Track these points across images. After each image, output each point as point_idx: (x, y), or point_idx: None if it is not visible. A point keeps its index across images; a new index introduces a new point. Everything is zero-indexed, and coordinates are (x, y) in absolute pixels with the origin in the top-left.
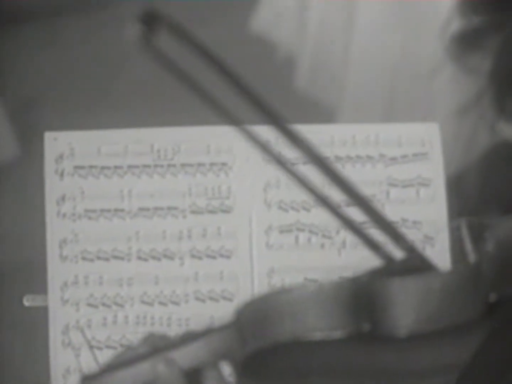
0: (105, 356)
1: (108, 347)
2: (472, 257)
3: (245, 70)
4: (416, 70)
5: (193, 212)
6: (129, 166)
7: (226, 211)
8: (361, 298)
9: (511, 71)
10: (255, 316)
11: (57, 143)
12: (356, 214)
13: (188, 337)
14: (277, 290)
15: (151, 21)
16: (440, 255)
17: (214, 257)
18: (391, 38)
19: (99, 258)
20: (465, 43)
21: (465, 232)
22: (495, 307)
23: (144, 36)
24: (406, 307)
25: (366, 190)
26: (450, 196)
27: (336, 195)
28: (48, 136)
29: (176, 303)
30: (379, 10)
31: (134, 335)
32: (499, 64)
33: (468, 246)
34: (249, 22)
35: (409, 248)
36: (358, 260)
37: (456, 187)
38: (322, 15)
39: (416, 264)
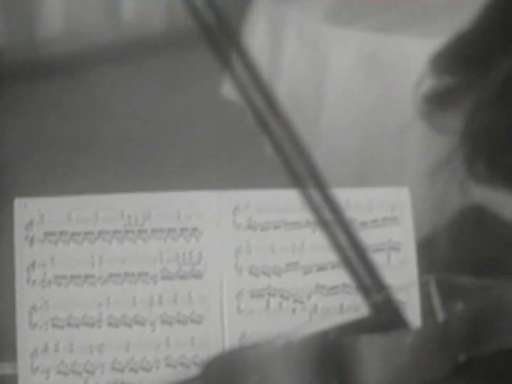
0: None
1: None
2: (440, 315)
3: (217, 135)
4: (387, 131)
5: (164, 277)
6: (100, 232)
7: (197, 276)
8: (330, 354)
9: (482, 132)
10: (222, 371)
11: (27, 209)
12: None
13: None
14: (245, 346)
15: None
16: (410, 317)
17: (185, 323)
18: (362, 100)
19: (69, 324)
20: (437, 102)
21: (433, 289)
22: (464, 367)
23: None
24: (374, 364)
25: (337, 256)
26: (421, 259)
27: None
28: (18, 202)
29: (147, 370)
30: (349, 72)
31: None
32: (470, 124)
33: (436, 303)
34: (221, 86)
35: (385, 301)
36: (329, 324)
37: (427, 250)
38: (292, 79)
39: (385, 320)
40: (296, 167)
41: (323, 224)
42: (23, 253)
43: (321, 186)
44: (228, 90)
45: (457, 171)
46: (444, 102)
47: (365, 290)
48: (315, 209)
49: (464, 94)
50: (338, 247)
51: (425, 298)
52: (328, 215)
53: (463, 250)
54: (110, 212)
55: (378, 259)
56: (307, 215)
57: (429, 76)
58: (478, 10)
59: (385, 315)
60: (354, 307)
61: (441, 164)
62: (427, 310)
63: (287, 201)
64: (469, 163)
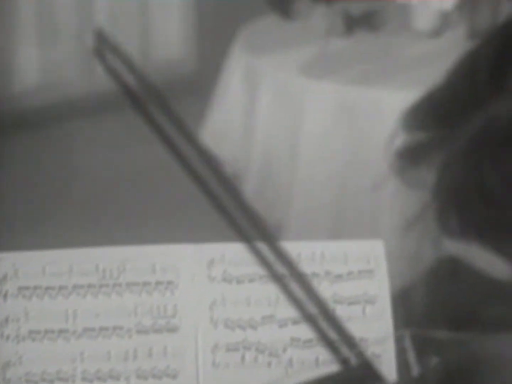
0: None
1: None
2: (415, 370)
3: (192, 186)
4: (362, 184)
5: (138, 331)
6: (74, 286)
7: (172, 330)
8: None
9: (453, 188)
10: None
11: (1, 264)
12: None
13: None
14: None
15: (102, 40)
16: (386, 371)
17: (160, 377)
18: (337, 153)
19: (43, 380)
20: (409, 158)
21: (408, 343)
22: None
23: (98, 50)
24: None
25: (311, 308)
26: (396, 312)
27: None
28: None
29: None
30: (324, 124)
31: None
32: (443, 179)
33: (411, 358)
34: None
35: (357, 356)
36: (305, 378)
37: (402, 303)
38: (268, 131)
39: (360, 375)
40: (241, 222)
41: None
42: None
43: (271, 240)
44: (205, 140)
45: (430, 225)
46: (416, 158)
47: (332, 345)
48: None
49: (436, 150)
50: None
51: (401, 352)
52: (287, 269)
53: (438, 302)
54: (85, 266)
55: (353, 312)
56: (281, 269)
57: (401, 131)
58: (449, 66)
59: (360, 369)
60: (330, 360)
61: (414, 219)
62: (402, 364)
63: (262, 254)
64: (442, 218)
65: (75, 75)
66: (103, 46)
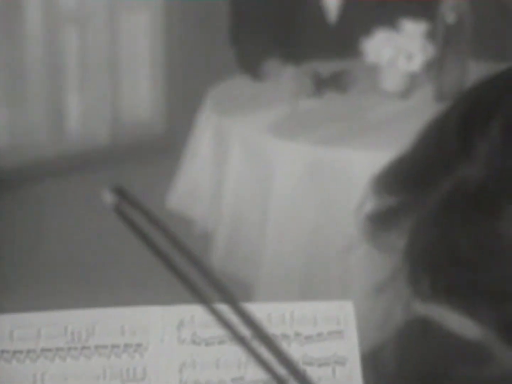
0: None
1: None
2: None
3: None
4: (332, 246)
5: None
6: (42, 350)
7: None
8: None
9: (423, 251)
10: None
11: None
12: None
13: None
14: None
15: (120, 194)
16: None
17: None
18: (307, 213)
19: None
20: (379, 222)
21: None
22: None
23: (117, 204)
24: None
25: (281, 370)
26: (366, 373)
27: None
28: None
29: None
30: (293, 184)
31: None
32: (413, 243)
33: None
34: (166, 198)
35: None
36: None
37: (372, 363)
38: (238, 191)
39: None
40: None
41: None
42: None
43: (233, 301)
44: (173, 201)
45: (401, 288)
46: (387, 222)
47: None
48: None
49: (406, 214)
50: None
51: None
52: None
53: (409, 363)
54: (53, 329)
55: (324, 373)
56: (248, 331)
57: (371, 196)
58: (418, 128)
59: None
60: None
61: (385, 282)
62: None
63: (232, 315)
64: (413, 281)
65: (45, 137)
66: (123, 202)
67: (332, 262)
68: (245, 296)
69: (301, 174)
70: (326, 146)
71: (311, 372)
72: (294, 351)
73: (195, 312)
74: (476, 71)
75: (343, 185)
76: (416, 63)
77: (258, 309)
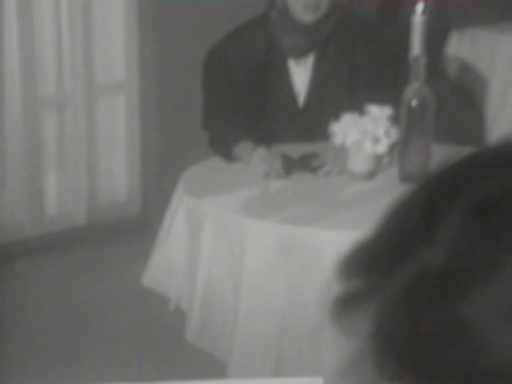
0: None
1: None
2: None
3: (137, 322)
4: (304, 323)
5: None
6: None
7: None
8: None
9: (390, 334)
10: None
11: None
12: None
13: None
14: None
15: None
16: None
17: None
18: (278, 292)
19: None
20: (345, 306)
21: None
22: None
23: None
24: None
25: None
26: None
27: None
28: None
29: None
30: (264, 262)
31: None
32: (379, 326)
33: None
34: (142, 275)
35: None
36: None
37: None
38: (211, 269)
39: None
40: None
41: None
42: None
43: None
44: (148, 278)
45: (368, 369)
46: (352, 305)
47: None
48: None
49: (371, 297)
50: None
51: None
52: None
53: None
54: None
55: None
56: None
57: (337, 279)
58: (383, 211)
59: None
60: None
61: (352, 363)
62: None
63: None
64: (379, 363)
65: (25, 216)
66: None
67: (304, 339)
68: (218, 372)
69: (271, 252)
70: (296, 225)
71: None
72: None
73: None
74: (439, 153)
75: (312, 263)
76: (382, 145)
77: None
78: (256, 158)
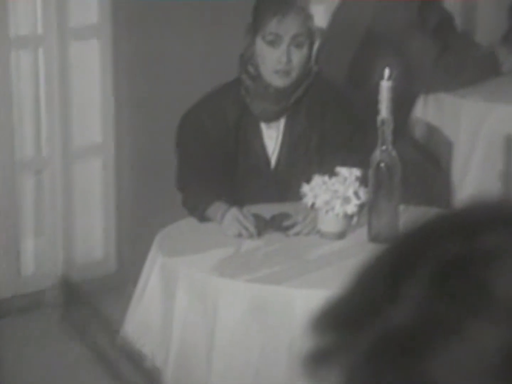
0: None
1: None
2: None
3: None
4: (276, 381)
5: None
6: None
7: None
8: None
9: None
10: None
11: None
12: None
13: None
14: None
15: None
16: None
17: None
18: (250, 351)
19: None
20: (316, 361)
21: None
22: None
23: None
24: None
25: None
26: None
27: None
28: None
29: None
30: (237, 322)
31: None
32: (349, 382)
33: None
34: (118, 334)
35: None
36: None
37: None
38: (184, 329)
39: None
40: None
41: None
42: None
43: None
44: (124, 337)
45: None
46: (323, 362)
47: None
48: None
49: (340, 355)
50: None
51: None
52: None
53: None
54: None
55: None
56: None
57: (310, 335)
58: (353, 270)
59: None
60: None
61: None
62: None
63: None
64: None
65: (2, 278)
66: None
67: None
68: None
69: (244, 312)
70: (268, 284)
71: None
72: None
73: None
74: (407, 214)
75: (285, 322)
76: (351, 206)
77: None
78: (229, 219)
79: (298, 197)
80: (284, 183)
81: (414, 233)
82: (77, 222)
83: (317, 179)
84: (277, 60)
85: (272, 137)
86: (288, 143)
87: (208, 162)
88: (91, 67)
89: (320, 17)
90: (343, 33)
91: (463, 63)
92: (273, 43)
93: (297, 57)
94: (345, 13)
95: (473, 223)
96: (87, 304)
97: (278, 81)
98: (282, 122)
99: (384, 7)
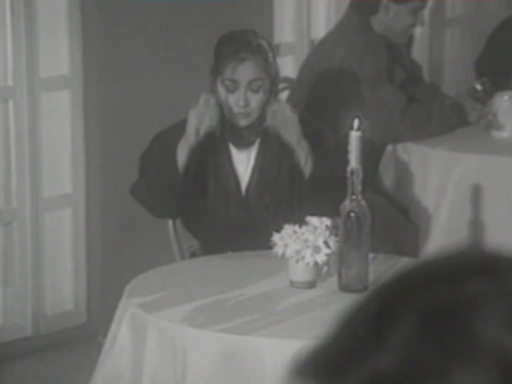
0: None
1: None
2: None
3: None
4: None
5: None
6: None
7: None
8: None
9: None
10: None
11: None
12: None
13: None
14: None
15: None
16: None
17: None
18: None
19: None
20: None
21: None
22: None
23: None
24: None
25: None
26: None
27: None
28: None
29: None
30: (207, 372)
31: None
32: None
33: None
34: None
35: None
36: None
37: None
38: (155, 378)
39: None
40: None
41: None
42: None
43: None
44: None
45: None
46: None
47: None
48: None
49: None
50: None
51: None
52: None
53: None
54: None
55: None
56: None
57: (292, 382)
58: (327, 319)
59: None
60: None
61: None
62: None
63: None
64: None
65: None
66: None
67: None
68: None
69: (214, 362)
70: (238, 335)
71: None
72: None
73: None
74: (377, 263)
75: (255, 372)
76: (322, 255)
77: None
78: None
79: (268, 224)
80: (254, 209)
81: (398, 280)
82: (47, 272)
83: (287, 228)
84: (235, 103)
85: (243, 161)
86: (260, 168)
87: (174, 180)
88: (61, 117)
89: (290, 67)
90: (313, 80)
91: (430, 114)
92: (230, 88)
93: (255, 100)
94: (316, 60)
95: (457, 270)
96: (57, 355)
97: (240, 122)
98: (254, 146)
99: (354, 55)
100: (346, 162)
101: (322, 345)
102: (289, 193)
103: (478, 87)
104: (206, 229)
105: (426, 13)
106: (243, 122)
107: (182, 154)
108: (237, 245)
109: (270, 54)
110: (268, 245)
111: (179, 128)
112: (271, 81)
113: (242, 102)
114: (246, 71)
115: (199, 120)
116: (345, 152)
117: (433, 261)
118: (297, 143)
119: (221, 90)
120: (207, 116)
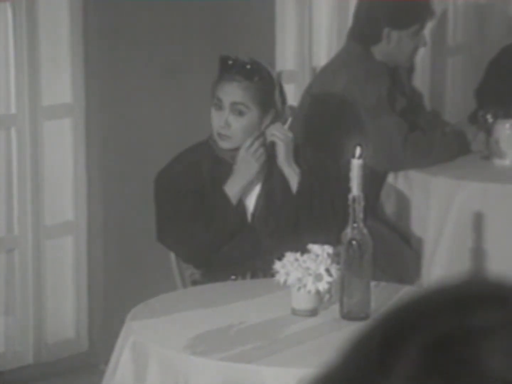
0: None
1: None
2: None
3: None
4: None
5: None
6: None
7: None
8: None
9: None
10: None
11: None
12: None
13: None
14: None
15: None
16: None
17: None
18: None
19: None
20: None
21: None
22: None
23: None
24: None
25: None
26: None
27: None
28: None
29: None
30: None
31: None
32: None
33: None
34: None
35: None
36: None
37: None
38: None
39: None
40: None
41: None
42: None
43: None
44: None
45: None
46: None
47: None
48: None
49: None
50: None
51: None
52: None
53: None
54: None
55: None
56: None
57: None
58: (329, 347)
59: None
60: None
61: None
62: None
63: None
64: None
65: None
66: None
67: None
68: None
69: None
70: (240, 363)
71: None
72: None
73: None
74: (379, 292)
75: None
76: (323, 283)
77: None
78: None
79: (273, 250)
80: (260, 235)
81: (403, 309)
82: (48, 300)
83: (289, 256)
84: (218, 123)
85: (248, 188)
86: (265, 195)
87: (189, 212)
88: (63, 145)
89: (291, 95)
90: (314, 108)
91: (432, 142)
92: (216, 106)
93: (237, 123)
94: (318, 88)
95: (461, 300)
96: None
97: (221, 143)
98: (261, 175)
99: (355, 83)
100: (347, 190)
101: (326, 373)
102: (293, 220)
103: (482, 116)
104: (209, 260)
105: (426, 32)
106: (223, 144)
107: (235, 190)
108: (240, 272)
109: (271, 87)
110: (270, 273)
111: (181, 158)
112: (263, 111)
113: (223, 122)
114: (232, 91)
115: None
116: (347, 180)
117: (437, 290)
118: (285, 161)
119: (211, 109)
120: None
